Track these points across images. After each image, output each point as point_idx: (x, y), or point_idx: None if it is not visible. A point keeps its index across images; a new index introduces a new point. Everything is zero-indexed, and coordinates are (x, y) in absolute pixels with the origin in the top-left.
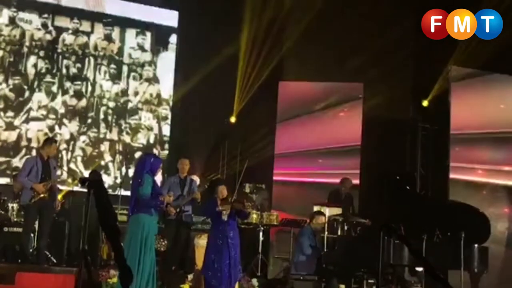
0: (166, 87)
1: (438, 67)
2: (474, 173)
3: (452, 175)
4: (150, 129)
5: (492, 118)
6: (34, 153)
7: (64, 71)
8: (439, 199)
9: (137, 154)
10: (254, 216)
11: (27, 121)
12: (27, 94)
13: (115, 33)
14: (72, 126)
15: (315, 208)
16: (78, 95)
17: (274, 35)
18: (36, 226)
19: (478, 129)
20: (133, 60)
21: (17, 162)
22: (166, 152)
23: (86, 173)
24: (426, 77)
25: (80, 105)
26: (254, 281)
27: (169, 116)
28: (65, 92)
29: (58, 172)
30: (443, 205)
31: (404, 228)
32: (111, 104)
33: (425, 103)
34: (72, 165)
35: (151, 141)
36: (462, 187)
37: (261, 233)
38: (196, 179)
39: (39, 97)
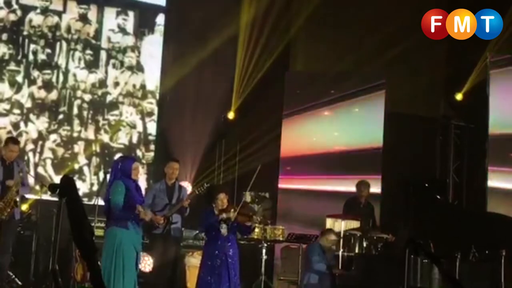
0: (152, 77)
1: (474, 54)
2: None
3: (490, 183)
4: (132, 126)
5: None
6: None
7: (31, 57)
8: (475, 210)
9: (117, 156)
10: (256, 230)
11: None
12: None
13: (92, 12)
14: (40, 123)
15: (328, 221)
16: (48, 86)
17: (280, 17)
18: None
19: None
20: (113, 45)
21: None
22: (152, 153)
23: (57, 179)
24: (460, 66)
25: (50, 98)
26: None
27: (155, 112)
28: (32, 82)
29: (30, 180)
30: (480, 217)
31: (434, 245)
32: (87, 97)
33: (458, 96)
34: (40, 169)
35: (134, 140)
36: (503, 196)
37: (264, 251)
38: (187, 186)
39: (1, 89)
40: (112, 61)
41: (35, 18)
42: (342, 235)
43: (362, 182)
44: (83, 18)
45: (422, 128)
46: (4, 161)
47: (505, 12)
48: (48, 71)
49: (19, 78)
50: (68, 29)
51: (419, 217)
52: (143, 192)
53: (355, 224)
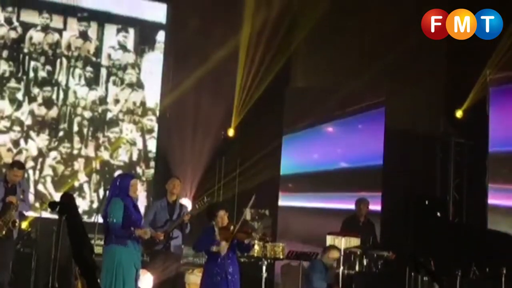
0: (152, 94)
1: (474, 71)
2: None
3: (491, 200)
4: (133, 143)
5: None
6: None
7: (31, 74)
8: (475, 228)
9: (118, 174)
10: (256, 248)
11: None
12: None
13: (92, 30)
14: (40, 140)
15: (329, 238)
16: (48, 103)
17: (280, 33)
18: None
19: None
20: (113, 62)
21: None
22: (152, 171)
23: (57, 196)
24: (460, 83)
25: (50, 115)
26: None
27: (156, 129)
28: (32, 99)
29: (30, 197)
30: (481, 235)
31: (434, 262)
32: (87, 114)
33: (459, 113)
34: (40, 187)
35: (134, 157)
36: (503, 214)
37: (264, 268)
38: (187, 203)
39: (2, 106)
40: (112, 78)
41: (36, 35)
42: (342, 252)
43: (361, 200)
44: (84, 36)
45: (422, 145)
46: (7, 182)
47: (505, 12)
48: (49, 88)
49: (20, 95)
50: (69, 47)
51: (420, 234)
52: (143, 209)
53: (355, 241)
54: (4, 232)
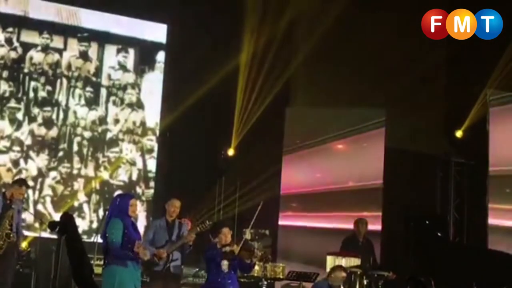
0: (152, 114)
1: (474, 91)
2: None
3: (491, 220)
4: (132, 163)
5: None
6: None
7: (31, 95)
8: (476, 247)
9: (117, 193)
10: (256, 268)
11: None
12: None
13: (92, 50)
14: (40, 160)
15: (329, 259)
16: (48, 123)
17: (280, 53)
18: None
19: None
20: (113, 82)
21: None
22: (152, 190)
23: (57, 216)
24: (460, 103)
25: (50, 135)
26: None
27: (155, 148)
28: (32, 119)
29: (23, 216)
30: (481, 254)
31: (435, 282)
32: (87, 134)
33: (459, 133)
34: (39, 207)
35: (134, 177)
36: (504, 233)
37: None
38: (187, 222)
39: (1, 126)
40: (112, 98)
41: (36, 55)
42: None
43: (360, 220)
44: (84, 56)
45: (423, 165)
46: (6, 198)
47: (505, 12)
48: (48, 108)
49: (19, 115)
50: (69, 67)
51: (420, 254)
52: (142, 229)
53: (355, 261)
54: None
